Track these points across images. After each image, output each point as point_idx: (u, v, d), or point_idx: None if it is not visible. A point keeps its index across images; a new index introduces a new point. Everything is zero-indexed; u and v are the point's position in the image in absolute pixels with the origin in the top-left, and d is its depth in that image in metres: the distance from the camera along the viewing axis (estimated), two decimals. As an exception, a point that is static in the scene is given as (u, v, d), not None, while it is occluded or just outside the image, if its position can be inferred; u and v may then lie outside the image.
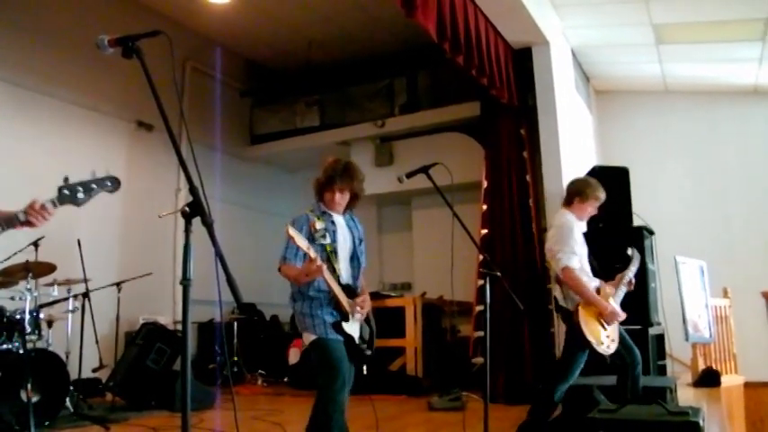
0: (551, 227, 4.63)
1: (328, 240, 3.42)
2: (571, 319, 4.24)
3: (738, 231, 7.71)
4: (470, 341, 7.19)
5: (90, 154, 7.37)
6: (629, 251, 4.62)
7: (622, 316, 4.30)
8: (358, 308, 3.51)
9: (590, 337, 4.15)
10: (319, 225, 3.45)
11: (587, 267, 4.42)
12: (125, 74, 7.12)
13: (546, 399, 4.35)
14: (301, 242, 3.19)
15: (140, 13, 8.24)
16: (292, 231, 3.18)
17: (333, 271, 3.42)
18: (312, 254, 3.20)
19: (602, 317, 4.22)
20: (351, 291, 3.54)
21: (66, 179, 2.46)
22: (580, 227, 4.48)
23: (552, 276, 4.49)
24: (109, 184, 2.57)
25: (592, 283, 4.37)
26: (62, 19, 7.43)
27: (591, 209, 4.50)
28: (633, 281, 4.51)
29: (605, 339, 4.21)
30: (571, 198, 4.52)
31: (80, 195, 2.48)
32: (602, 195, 4.51)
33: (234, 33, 9.36)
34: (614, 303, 4.32)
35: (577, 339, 4.19)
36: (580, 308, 4.21)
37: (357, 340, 3.50)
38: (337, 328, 3.41)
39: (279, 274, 3.48)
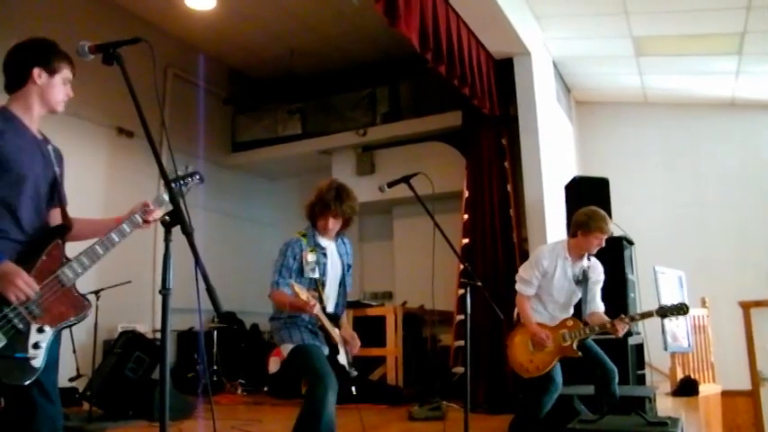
0: None
1: (317, 275, 3.43)
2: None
3: (716, 242, 7.80)
4: (451, 350, 7.20)
5: (69, 160, 7.15)
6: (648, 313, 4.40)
7: (547, 344, 4.27)
8: (345, 344, 3.60)
9: (509, 355, 4.43)
10: (311, 257, 3.46)
11: (549, 300, 4.44)
12: (106, 80, 7.04)
13: (532, 411, 4.36)
14: (303, 295, 3.19)
15: (122, 19, 8.20)
16: (297, 288, 3.20)
17: (320, 301, 3.45)
18: (304, 297, 3.21)
19: (531, 337, 4.34)
20: (334, 319, 3.60)
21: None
22: (562, 263, 4.40)
23: None
24: (198, 177, 2.85)
25: (543, 312, 4.45)
26: (42, 24, 7.35)
27: (597, 242, 4.34)
28: (622, 331, 4.21)
29: (526, 362, 4.35)
30: (575, 230, 4.43)
31: (183, 189, 2.76)
32: (609, 228, 4.37)
33: (216, 41, 9.33)
34: (567, 335, 4.28)
35: None
36: (518, 326, 4.47)
37: (347, 367, 3.55)
38: (332, 362, 3.44)
39: (269, 297, 3.51)
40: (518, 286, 4.47)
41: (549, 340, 4.27)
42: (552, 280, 4.40)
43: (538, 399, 4.33)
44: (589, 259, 4.48)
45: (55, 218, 2.59)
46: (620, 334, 4.20)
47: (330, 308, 3.61)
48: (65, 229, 2.54)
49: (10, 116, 2.45)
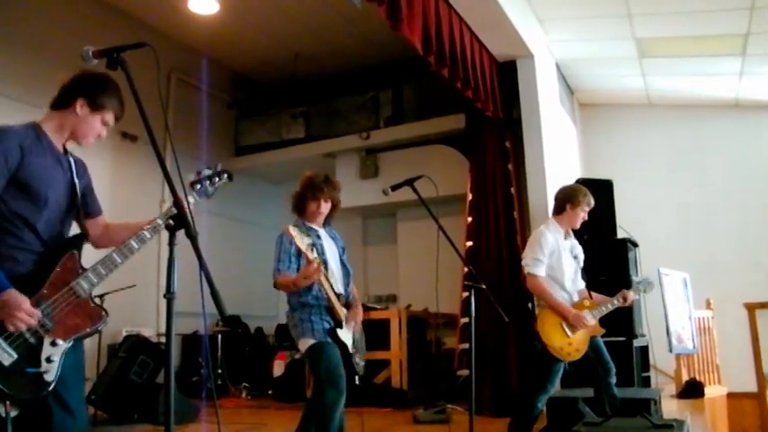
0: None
1: (315, 254, 3.44)
2: (532, 323, 4.32)
3: (721, 243, 7.78)
4: (456, 353, 7.19)
5: (73, 165, 7.25)
6: (643, 283, 4.69)
7: (589, 323, 4.28)
8: (351, 320, 3.61)
9: (547, 342, 4.22)
10: (306, 240, 3.47)
11: (565, 278, 4.42)
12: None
13: (526, 411, 4.35)
14: (301, 243, 3.24)
15: (126, 25, 8.22)
16: (293, 231, 3.26)
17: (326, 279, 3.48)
18: (311, 255, 3.25)
19: (566, 322, 4.25)
20: (343, 299, 3.62)
21: (195, 174, 2.70)
22: (560, 237, 4.46)
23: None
24: (227, 176, 2.81)
25: (561, 293, 4.38)
26: (46, 29, 7.39)
27: (583, 214, 4.51)
28: (631, 300, 4.52)
29: (566, 346, 4.24)
30: (562, 205, 4.51)
31: (210, 189, 2.73)
32: (592, 201, 4.54)
33: (220, 45, 9.35)
34: (589, 314, 4.32)
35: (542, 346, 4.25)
36: (543, 312, 4.29)
37: (350, 349, 3.55)
38: (332, 334, 3.45)
39: (275, 288, 3.56)
40: (530, 269, 4.31)
41: (587, 319, 4.30)
42: (561, 258, 4.41)
43: (533, 397, 4.33)
44: (574, 238, 4.59)
45: (94, 227, 2.66)
46: (630, 302, 4.51)
47: (339, 289, 3.64)
48: (81, 240, 2.55)
49: (40, 133, 2.49)
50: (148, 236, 2.50)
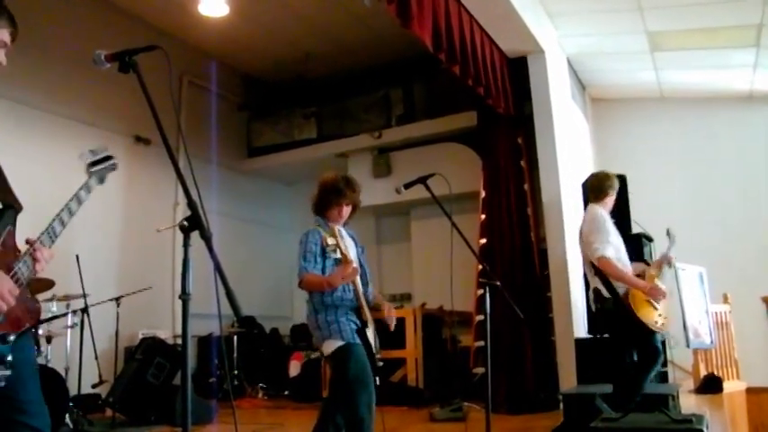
0: (584, 222, 4.71)
1: (339, 255, 3.43)
2: (621, 305, 4.36)
3: (737, 237, 7.71)
4: (471, 351, 7.17)
5: (88, 169, 7.30)
6: (668, 232, 4.82)
7: (663, 292, 4.42)
8: (388, 317, 3.67)
9: (644, 319, 4.30)
10: (330, 241, 3.48)
11: (625, 257, 4.55)
12: (122, 89, 7.08)
13: (635, 388, 4.34)
14: (339, 240, 3.32)
15: (137, 28, 8.26)
16: (327, 231, 3.33)
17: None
18: (350, 256, 3.25)
19: (647, 296, 4.35)
20: (366, 300, 3.63)
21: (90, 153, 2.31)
22: (610, 219, 4.62)
23: (589, 269, 4.61)
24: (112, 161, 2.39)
25: (629, 268, 4.51)
26: (58, 34, 7.43)
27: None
28: (672, 257, 4.68)
29: (658, 318, 4.36)
30: (605, 192, 4.69)
31: (103, 174, 2.33)
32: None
33: (230, 47, 9.38)
34: (660, 282, 4.47)
35: (638, 325, 4.31)
36: (632, 293, 4.37)
37: (374, 349, 3.55)
38: (360, 334, 3.44)
39: (300, 288, 3.54)
40: (602, 251, 4.37)
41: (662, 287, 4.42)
42: (618, 237, 4.55)
43: (644, 374, 4.34)
44: None
45: None
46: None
47: (362, 289, 3.64)
48: (15, 213, 2.11)
49: None
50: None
